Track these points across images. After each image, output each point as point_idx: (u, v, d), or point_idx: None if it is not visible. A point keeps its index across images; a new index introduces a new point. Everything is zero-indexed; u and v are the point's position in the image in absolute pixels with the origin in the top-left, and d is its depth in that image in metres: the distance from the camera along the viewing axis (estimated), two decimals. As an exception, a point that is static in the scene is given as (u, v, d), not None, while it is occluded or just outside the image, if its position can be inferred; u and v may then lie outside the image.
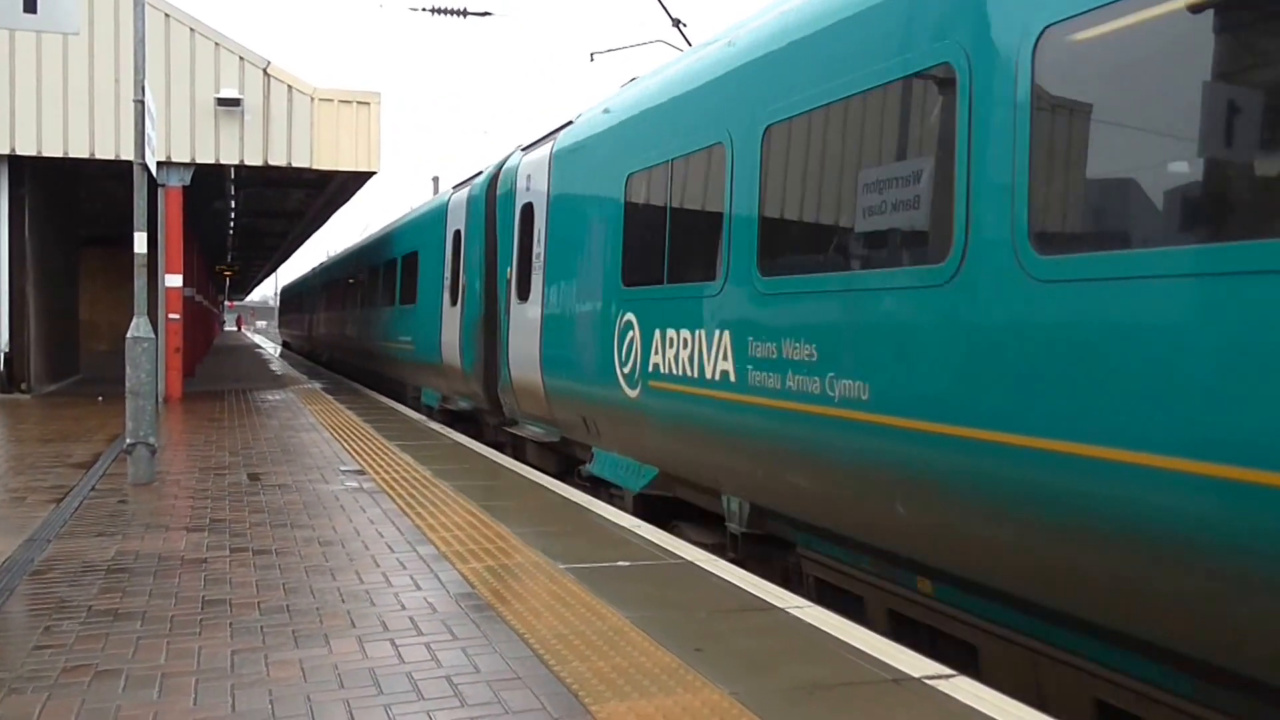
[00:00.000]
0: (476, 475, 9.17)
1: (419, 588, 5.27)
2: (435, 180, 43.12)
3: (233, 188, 20.22)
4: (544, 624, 4.63)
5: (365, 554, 6.03)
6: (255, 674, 3.94)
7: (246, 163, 16.22)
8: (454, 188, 15.45)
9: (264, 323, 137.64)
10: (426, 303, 16.01)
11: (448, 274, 14.58)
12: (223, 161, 16.15)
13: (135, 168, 8.68)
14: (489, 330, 12.44)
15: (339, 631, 4.50)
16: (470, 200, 13.64)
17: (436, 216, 15.91)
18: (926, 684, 3.88)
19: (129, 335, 8.52)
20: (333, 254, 35.93)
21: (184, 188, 16.24)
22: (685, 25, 14.39)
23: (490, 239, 12.61)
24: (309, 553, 6.05)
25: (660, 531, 6.80)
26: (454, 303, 14.05)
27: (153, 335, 8.63)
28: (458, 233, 14.18)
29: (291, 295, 53.61)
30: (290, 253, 43.66)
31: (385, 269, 20.62)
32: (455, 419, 15.26)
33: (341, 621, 4.66)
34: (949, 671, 4.02)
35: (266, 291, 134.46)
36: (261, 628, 4.54)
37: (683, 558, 6.00)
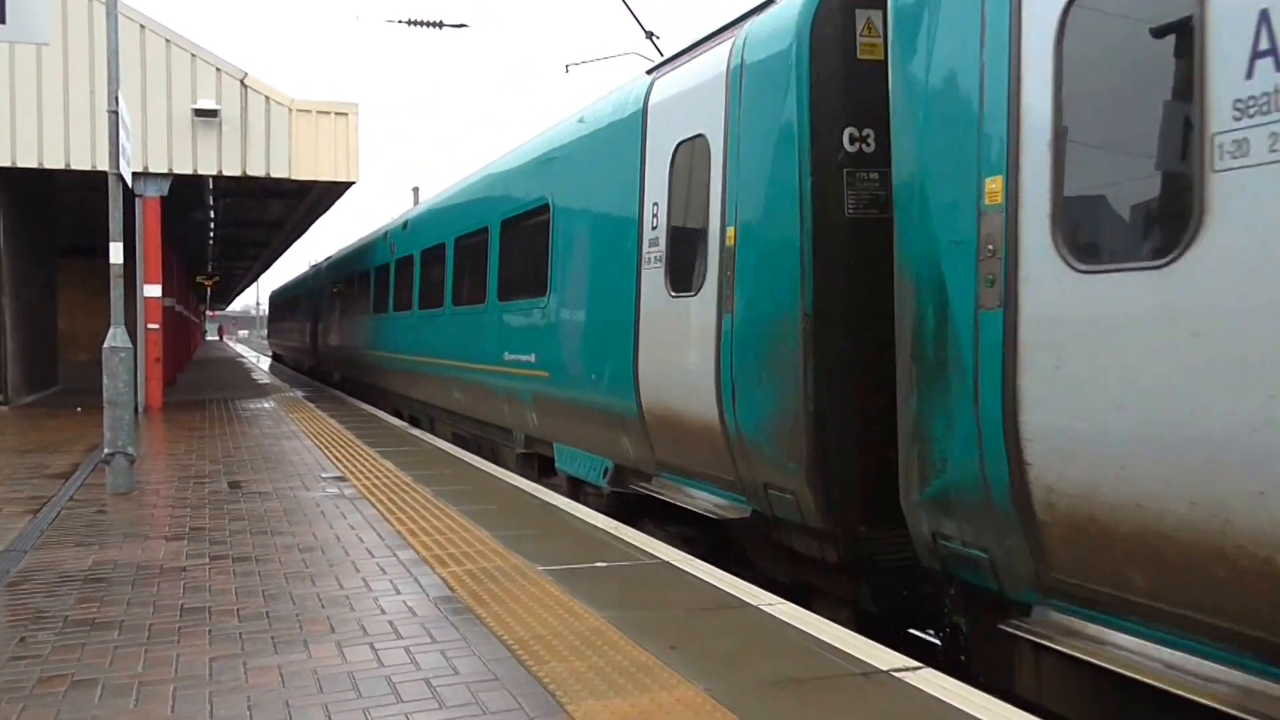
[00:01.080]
0: (457, 480, 9.20)
1: (399, 592, 5.31)
2: (415, 190, 42.71)
3: (212, 198, 20.17)
4: (522, 625, 4.67)
5: (346, 560, 6.06)
6: (234, 681, 3.96)
7: (225, 173, 16.21)
8: (650, 71, 8.20)
9: (245, 332, 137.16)
10: (574, 292, 9.00)
11: (653, 232, 7.57)
12: (201, 172, 16.14)
13: (110, 178, 8.69)
14: (827, 350, 5.78)
15: (318, 637, 4.53)
16: (751, 69, 6.46)
17: (604, 134, 8.53)
18: (894, 676, 3.95)
19: (106, 345, 8.52)
20: (347, 243, 26.44)
21: (162, 198, 16.22)
22: (659, 38, 14.47)
23: (820, 139, 5.89)
24: (289, 559, 6.07)
25: (637, 533, 6.85)
26: (686, 287, 7.04)
27: (130, 345, 8.63)
28: (685, 148, 7.20)
29: (286, 299, 43.72)
30: (271, 262, 43.51)
31: (464, 246, 13.04)
32: (654, 515, 7.94)
33: (321, 627, 4.68)
34: (916, 664, 4.08)
35: (249, 301, 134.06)
36: (241, 635, 4.57)
37: (659, 558, 6.05)
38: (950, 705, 3.64)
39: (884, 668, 4.05)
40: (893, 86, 5.15)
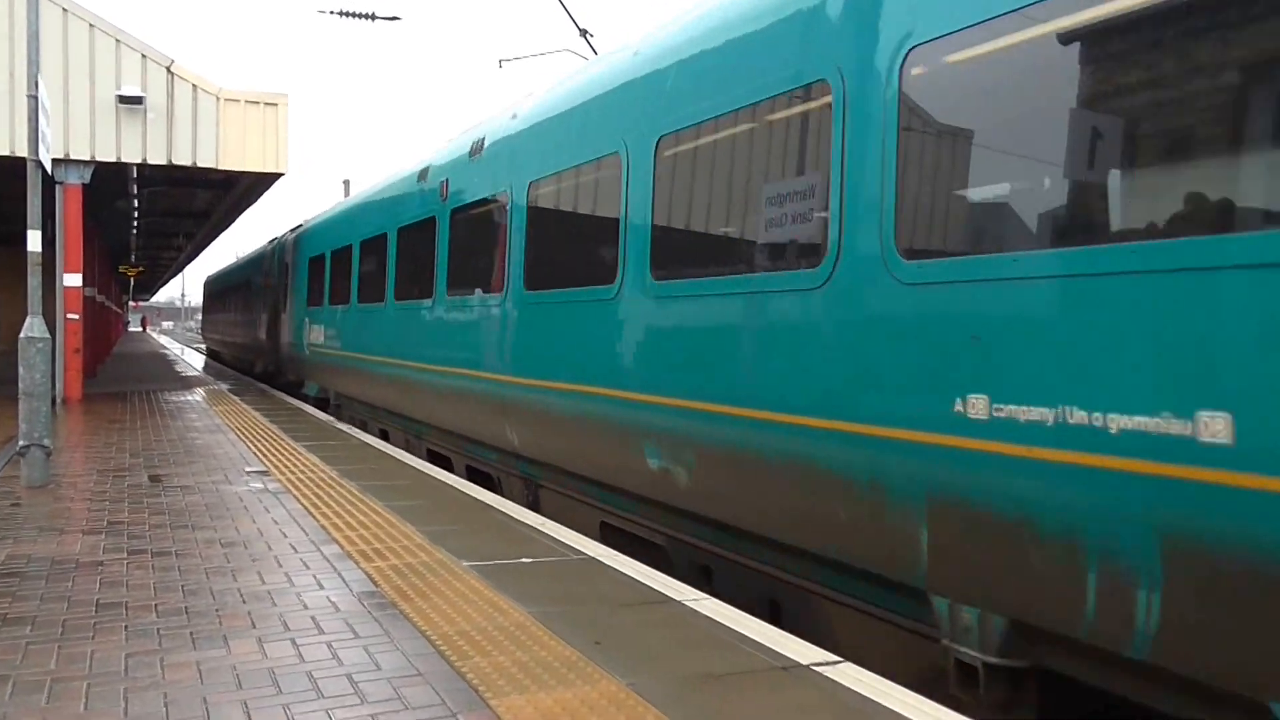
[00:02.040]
0: (384, 475, 9.12)
1: (322, 587, 5.26)
2: (346, 183, 42.11)
3: (136, 186, 19.70)
4: (447, 621, 4.67)
5: (268, 555, 5.98)
6: (150, 677, 3.90)
7: (149, 161, 15.85)
8: None
9: (170, 324, 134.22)
10: None
11: None
12: (124, 160, 15.76)
13: (29, 164, 8.46)
14: None
15: (238, 632, 4.48)
16: None
17: None
18: (814, 670, 4.03)
19: (22, 336, 8.30)
20: (328, 207, 19.02)
21: (84, 185, 15.81)
22: (592, 35, 14.48)
23: None
24: (210, 554, 5.98)
25: (563, 528, 6.87)
26: None
27: (48, 335, 8.42)
28: None
29: (230, 284, 34.46)
30: (198, 253, 42.61)
31: (696, 149, 6.24)
32: None
33: (241, 622, 4.63)
34: (835, 659, 4.17)
35: (173, 292, 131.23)
36: (158, 630, 4.49)
37: (585, 554, 6.08)
38: (869, 699, 3.73)
39: (804, 662, 4.12)
40: None
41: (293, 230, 21.27)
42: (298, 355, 19.19)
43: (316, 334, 16.98)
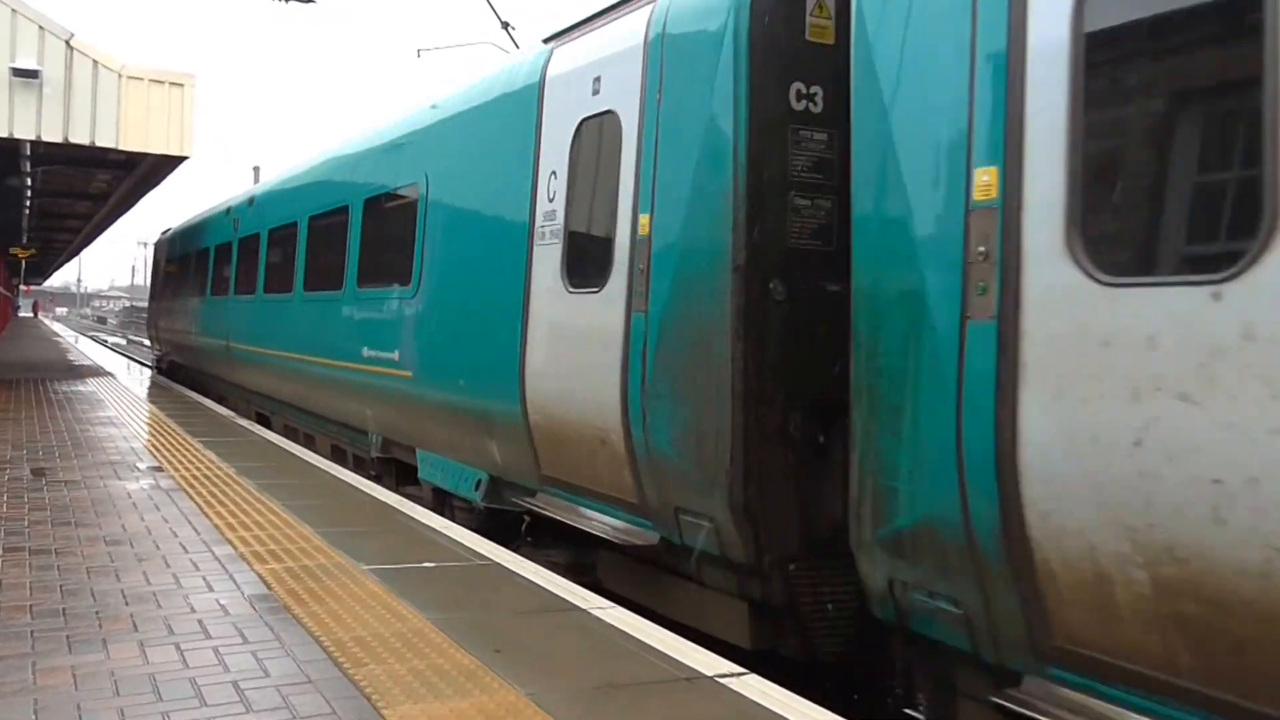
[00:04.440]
0: (283, 474, 8.85)
1: (212, 589, 5.06)
2: (256, 170, 40.98)
3: (29, 164, 18.86)
4: (342, 626, 4.52)
5: (156, 554, 5.73)
6: (20, 682, 3.69)
7: (44, 139, 15.15)
8: None
9: (64, 310, 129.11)
10: None
11: None
12: (17, 135, 15.03)
13: (-90, 135, 8.00)
14: None
15: (119, 636, 4.27)
16: None
17: None
18: (718, 681, 3.99)
19: (-104, 317, 7.85)
20: None
21: (-29, 161, 15.09)
22: (514, 28, 14.35)
23: None
24: (93, 552, 5.70)
25: (466, 532, 6.74)
26: None
27: (-76, 318, 7.98)
28: None
29: (249, 233, 15.61)
30: (95, 236, 41.08)
31: None
32: None
33: (123, 625, 4.42)
34: (740, 670, 4.14)
35: (69, 277, 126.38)
36: (32, 632, 4.26)
37: (489, 558, 5.97)
38: (772, 711, 3.70)
39: (709, 673, 4.08)
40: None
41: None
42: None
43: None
